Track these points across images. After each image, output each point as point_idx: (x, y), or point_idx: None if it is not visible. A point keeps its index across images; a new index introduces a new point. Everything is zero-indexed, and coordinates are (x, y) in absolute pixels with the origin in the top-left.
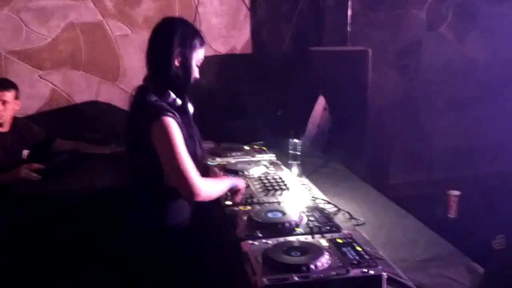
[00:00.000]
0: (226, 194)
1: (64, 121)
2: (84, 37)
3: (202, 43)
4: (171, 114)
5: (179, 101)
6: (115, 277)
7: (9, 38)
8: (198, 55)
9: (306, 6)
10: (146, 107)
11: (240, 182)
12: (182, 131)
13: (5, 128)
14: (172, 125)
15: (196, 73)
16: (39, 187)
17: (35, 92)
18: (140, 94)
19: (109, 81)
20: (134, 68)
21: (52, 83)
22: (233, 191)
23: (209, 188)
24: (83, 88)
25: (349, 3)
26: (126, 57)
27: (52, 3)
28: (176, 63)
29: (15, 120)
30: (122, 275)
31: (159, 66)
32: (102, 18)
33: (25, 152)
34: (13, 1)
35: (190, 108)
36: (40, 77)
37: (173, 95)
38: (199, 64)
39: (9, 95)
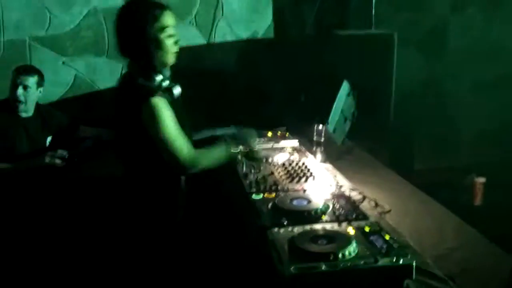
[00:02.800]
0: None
1: (87, 108)
2: (107, 23)
3: (159, 13)
4: (160, 93)
5: (165, 83)
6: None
7: (33, 25)
8: (161, 26)
9: None
10: (134, 91)
11: (239, 132)
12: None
13: (28, 114)
14: (162, 105)
15: (169, 46)
16: (62, 173)
17: (59, 78)
18: (127, 79)
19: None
20: None
21: (76, 70)
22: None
23: (202, 161)
24: (106, 75)
25: None
26: None
27: None
28: (143, 43)
29: (39, 107)
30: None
31: (131, 51)
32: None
33: (48, 138)
34: None
35: (177, 89)
36: (64, 64)
37: (158, 77)
38: (170, 33)
39: (31, 80)
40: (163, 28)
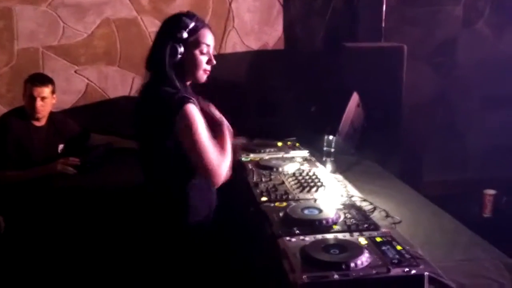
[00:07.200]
0: None
1: (98, 116)
2: (119, 33)
3: (200, 27)
4: (192, 100)
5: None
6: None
7: (47, 34)
8: (197, 40)
9: (340, 2)
10: (166, 100)
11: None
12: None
13: (41, 122)
14: (195, 112)
15: (200, 62)
16: (74, 181)
17: (71, 87)
18: (152, 89)
19: (143, 77)
20: None
21: (88, 78)
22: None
23: (227, 164)
24: (117, 84)
25: None
26: None
27: None
28: (171, 57)
29: (51, 115)
30: (144, 276)
31: (162, 58)
32: (137, 14)
33: (60, 146)
34: None
35: None
36: (76, 72)
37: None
38: (204, 50)
39: (47, 90)
40: (197, 45)
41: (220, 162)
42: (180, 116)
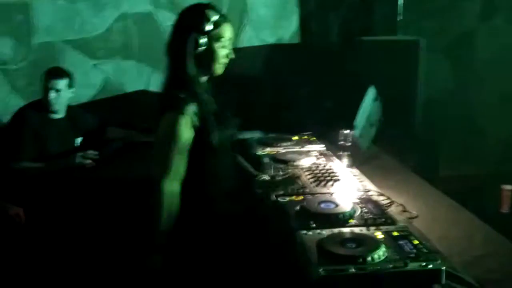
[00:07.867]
0: None
1: (116, 110)
2: (136, 27)
3: (221, 22)
4: (184, 110)
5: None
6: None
7: (64, 28)
8: (218, 35)
9: None
10: (168, 100)
11: None
12: (202, 122)
13: (59, 115)
14: (177, 123)
15: (219, 56)
16: (93, 174)
17: (88, 80)
18: (165, 88)
19: (160, 71)
20: None
21: (105, 72)
22: None
23: (168, 202)
24: (134, 78)
25: None
26: None
27: None
28: (193, 49)
29: (69, 108)
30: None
31: (180, 52)
32: (153, 8)
33: (78, 140)
34: None
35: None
36: (94, 66)
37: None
38: (224, 44)
39: (62, 83)
40: (219, 38)
41: (168, 182)
42: (164, 117)
